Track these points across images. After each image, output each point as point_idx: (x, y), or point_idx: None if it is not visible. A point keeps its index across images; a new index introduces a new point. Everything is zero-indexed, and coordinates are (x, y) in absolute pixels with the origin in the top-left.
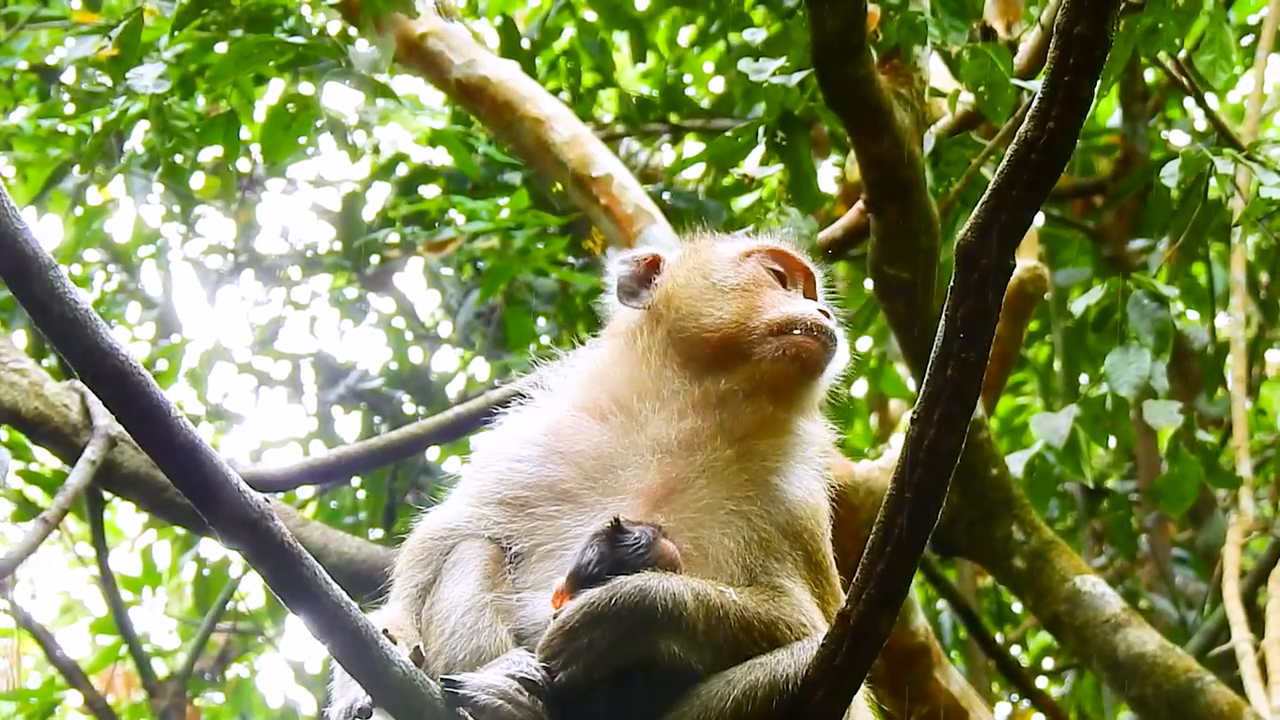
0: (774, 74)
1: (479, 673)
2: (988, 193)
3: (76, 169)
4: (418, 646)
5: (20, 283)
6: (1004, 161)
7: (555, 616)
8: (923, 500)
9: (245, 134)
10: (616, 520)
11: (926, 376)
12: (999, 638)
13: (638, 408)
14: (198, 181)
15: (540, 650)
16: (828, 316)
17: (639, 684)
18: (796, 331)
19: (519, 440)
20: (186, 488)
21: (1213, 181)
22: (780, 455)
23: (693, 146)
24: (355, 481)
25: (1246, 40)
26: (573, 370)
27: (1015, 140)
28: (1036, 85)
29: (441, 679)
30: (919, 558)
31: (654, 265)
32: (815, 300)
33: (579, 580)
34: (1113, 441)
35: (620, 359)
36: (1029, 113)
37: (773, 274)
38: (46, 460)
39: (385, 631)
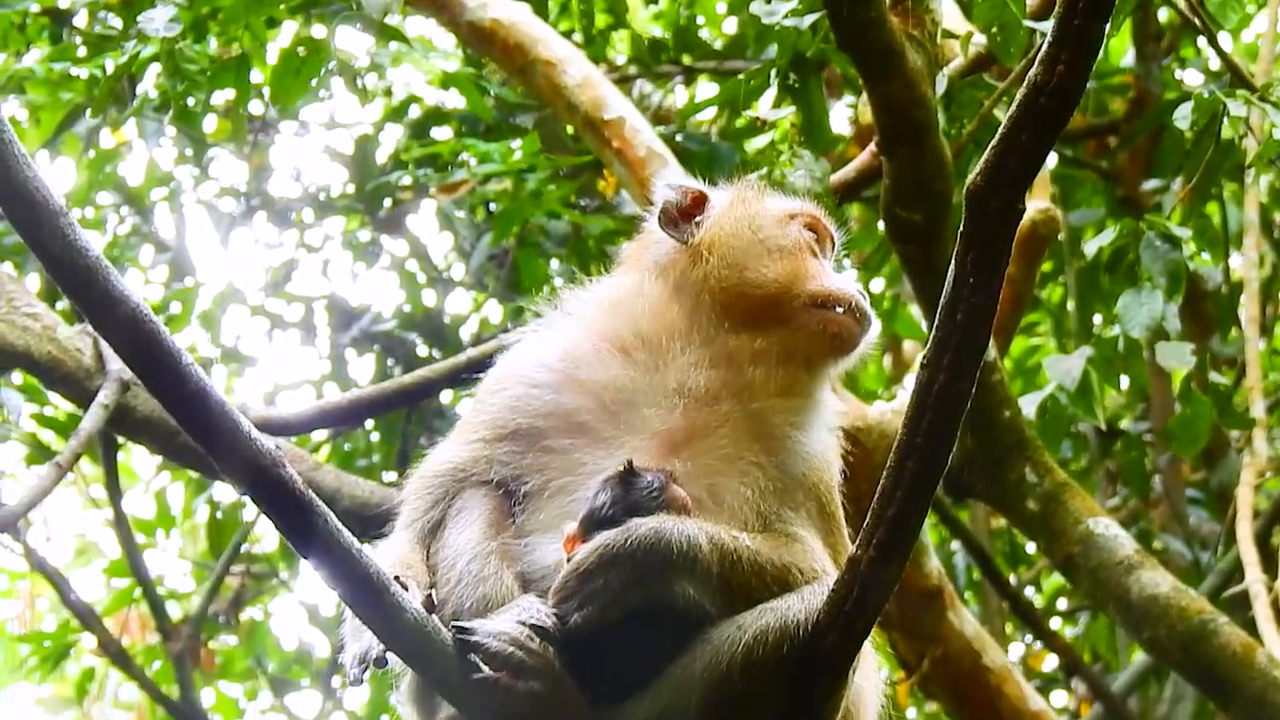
0: (786, 16)
1: (490, 619)
2: (996, 138)
3: (89, 112)
4: (430, 593)
5: (30, 230)
6: (1013, 106)
7: (569, 559)
8: (933, 445)
9: (257, 77)
10: (629, 464)
11: (936, 322)
12: (1012, 579)
13: (665, 346)
14: (210, 125)
15: (554, 592)
16: (864, 297)
17: (650, 629)
18: (837, 309)
19: (535, 364)
20: (197, 434)
21: (1226, 122)
22: (801, 414)
23: (705, 89)
24: (369, 424)
25: None
26: (593, 296)
27: (1024, 84)
28: (1049, 26)
29: (453, 626)
30: (929, 502)
31: (700, 201)
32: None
33: (592, 523)
34: (1125, 383)
35: (646, 291)
36: (1038, 57)
37: (811, 239)
38: (60, 404)
39: (397, 578)
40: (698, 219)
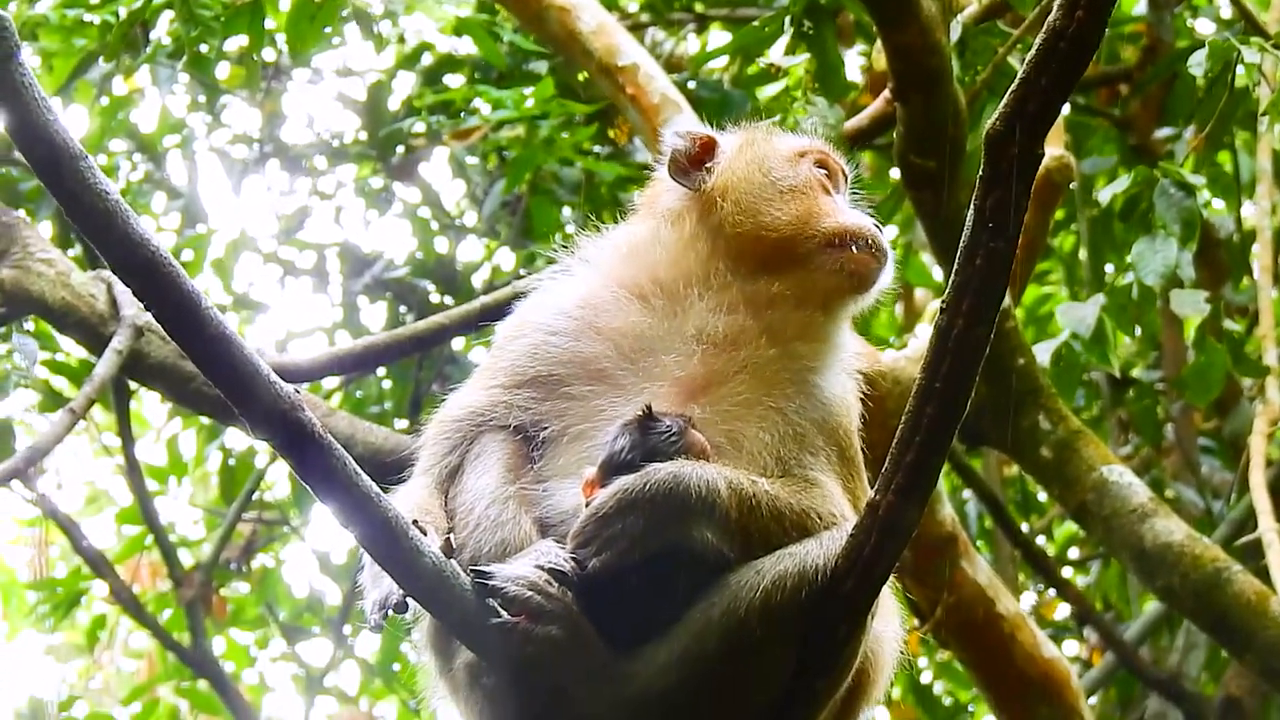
0: None
1: (508, 564)
2: (1016, 82)
3: (102, 59)
4: (449, 538)
5: (50, 173)
6: (1032, 51)
7: (587, 504)
8: (951, 390)
9: (270, 24)
10: (648, 408)
11: (955, 266)
12: (1025, 527)
13: (682, 293)
14: (223, 71)
15: (573, 536)
16: (879, 229)
17: (668, 574)
18: (854, 247)
19: (553, 311)
20: (216, 378)
21: (1239, 70)
22: (819, 358)
23: (719, 36)
24: (381, 371)
25: None
26: (611, 244)
27: (1043, 29)
28: None
29: (471, 570)
30: (948, 447)
31: (709, 147)
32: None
33: (611, 468)
34: (1139, 330)
35: (662, 239)
36: (1057, 2)
37: (822, 176)
38: (73, 350)
39: (415, 523)
40: (708, 165)
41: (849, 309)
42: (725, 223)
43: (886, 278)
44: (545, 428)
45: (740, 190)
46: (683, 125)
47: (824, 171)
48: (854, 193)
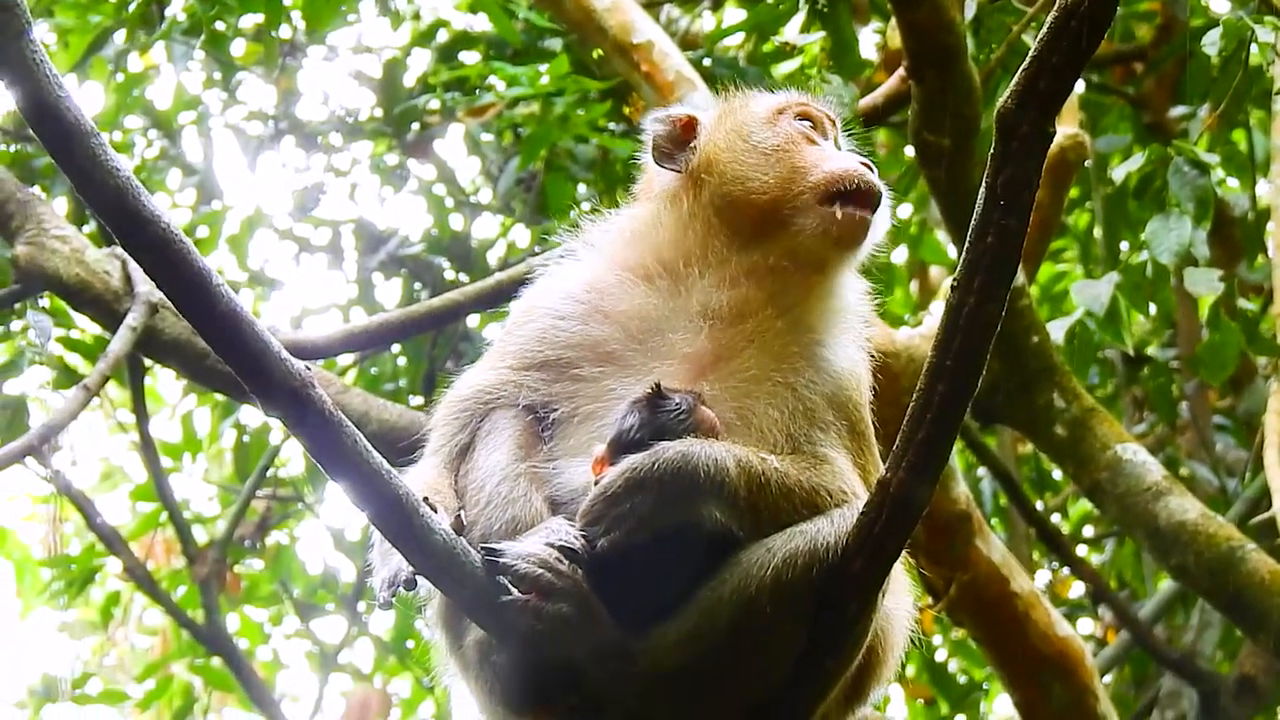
0: None
1: (518, 541)
2: (1028, 60)
3: (118, 36)
4: (459, 515)
5: (63, 150)
6: (1044, 29)
7: (596, 482)
8: (963, 368)
9: (286, 1)
10: (657, 385)
11: (967, 244)
12: (1039, 505)
13: (684, 272)
14: (239, 48)
15: (581, 515)
16: (871, 170)
17: (678, 552)
18: (839, 205)
19: (560, 296)
20: (228, 356)
21: (1254, 48)
22: (826, 325)
23: (734, 13)
24: (395, 348)
25: None
26: (615, 227)
27: (1056, 7)
28: None
29: (481, 548)
30: (959, 426)
31: (690, 127)
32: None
33: (620, 446)
34: (1153, 309)
35: (661, 222)
36: None
37: (805, 128)
38: (87, 327)
39: (426, 500)
40: (692, 144)
41: (848, 264)
42: (716, 196)
43: (881, 224)
44: (555, 409)
45: (724, 161)
46: (694, 103)
47: (807, 123)
48: (848, 131)
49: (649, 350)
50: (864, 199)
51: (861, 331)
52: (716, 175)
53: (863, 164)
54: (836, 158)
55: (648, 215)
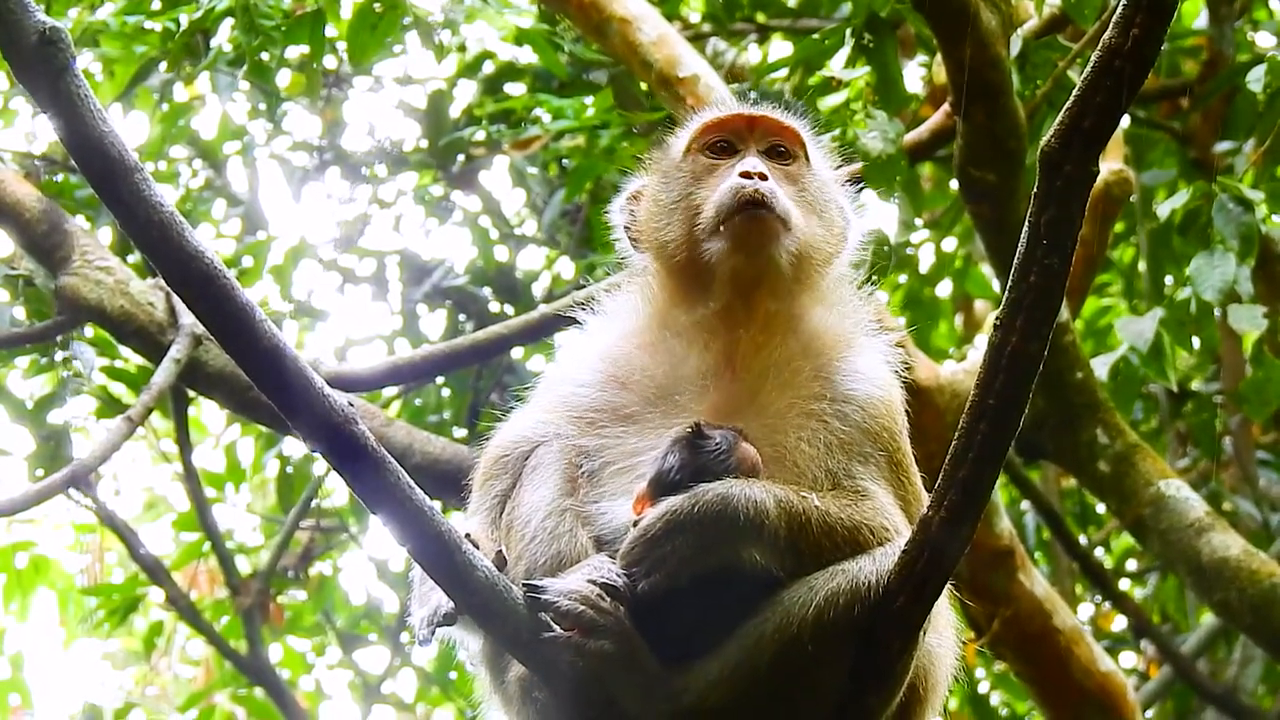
0: None
1: (561, 578)
2: (1071, 99)
3: (163, 66)
4: (500, 550)
5: (106, 185)
6: (1088, 68)
7: (636, 523)
8: (1005, 407)
9: (331, 32)
10: (697, 424)
11: (1009, 282)
12: (1082, 540)
13: (673, 344)
14: (284, 79)
15: (621, 557)
16: (762, 178)
17: (720, 590)
18: (732, 219)
19: (578, 364)
20: (270, 392)
21: None
22: (834, 346)
23: (779, 47)
24: (440, 380)
25: None
26: (623, 298)
27: (1099, 46)
28: None
29: (523, 584)
30: (1001, 465)
31: (638, 198)
32: (762, 152)
33: (660, 487)
34: (1197, 344)
35: (646, 298)
36: (1113, 19)
37: (718, 151)
38: (131, 358)
39: (468, 536)
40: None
41: (782, 277)
42: (658, 265)
43: (794, 217)
44: (590, 459)
45: (651, 229)
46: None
47: (720, 144)
48: (787, 104)
49: (665, 411)
50: (753, 203)
51: (884, 345)
52: (652, 246)
53: (743, 173)
54: (723, 183)
55: (640, 290)
